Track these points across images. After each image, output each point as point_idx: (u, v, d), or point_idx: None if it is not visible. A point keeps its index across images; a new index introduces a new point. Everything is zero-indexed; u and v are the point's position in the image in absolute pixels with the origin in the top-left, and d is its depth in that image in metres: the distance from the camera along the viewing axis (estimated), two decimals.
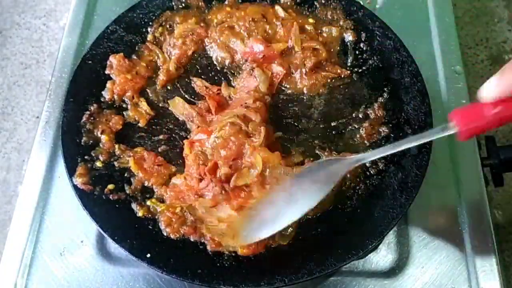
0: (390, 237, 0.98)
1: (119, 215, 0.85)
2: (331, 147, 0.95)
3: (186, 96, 1.01)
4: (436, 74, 1.16)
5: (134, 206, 0.87)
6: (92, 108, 0.96)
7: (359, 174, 0.92)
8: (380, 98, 0.99)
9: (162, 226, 0.85)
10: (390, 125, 0.96)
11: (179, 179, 0.89)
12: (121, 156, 0.93)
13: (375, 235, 0.82)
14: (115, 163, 0.92)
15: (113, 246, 0.97)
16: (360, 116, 0.98)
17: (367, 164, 0.92)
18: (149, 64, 1.03)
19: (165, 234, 0.84)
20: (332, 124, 0.98)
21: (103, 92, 0.99)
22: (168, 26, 1.07)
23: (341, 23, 1.07)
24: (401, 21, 1.22)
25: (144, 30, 1.07)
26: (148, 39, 1.06)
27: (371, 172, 0.92)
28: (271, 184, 0.84)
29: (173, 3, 1.10)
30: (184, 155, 0.92)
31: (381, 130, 0.96)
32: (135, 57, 1.04)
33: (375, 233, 0.82)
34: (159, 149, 0.95)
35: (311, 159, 0.92)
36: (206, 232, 0.83)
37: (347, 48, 1.06)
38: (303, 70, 1.01)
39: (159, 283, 0.93)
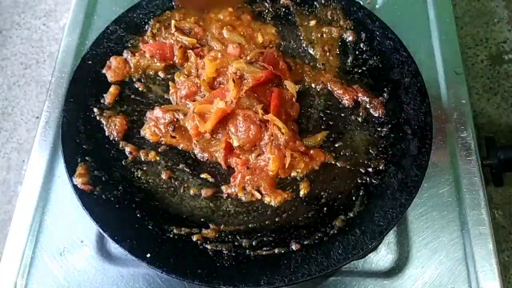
0: (390, 237, 0.98)
1: (119, 215, 0.85)
2: (331, 147, 0.95)
3: None
4: (436, 74, 1.16)
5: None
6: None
7: (359, 174, 0.92)
8: (380, 98, 0.99)
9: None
10: (390, 125, 0.96)
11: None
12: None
13: (375, 235, 0.82)
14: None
15: (113, 246, 0.97)
16: (360, 116, 0.99)
17: (366, 163, 0.92)
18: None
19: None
20: (332, 124, 0.98)
21: (104, 95, 0.99)
22: (166, 24, 1.07)
23: (341, 23, 1.07)
24: (401, 21, 1.22)
25: (144, 30, 1.07)
26: (147, 34, 1.06)
27: (371, 172, 0.92)
28: None
29: (173, 3, 1.10)
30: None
31: (381, 130, 0.96)
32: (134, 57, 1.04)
33: (375, 233, 0.82)
34: (159, 149, 0.95)
35: None
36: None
37: (347, 48, 1.06)
38: None
39: (159, 283, 0.93)
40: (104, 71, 1.01)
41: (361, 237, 0.82)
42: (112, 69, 1.01)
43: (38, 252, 0.97)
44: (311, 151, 0.93)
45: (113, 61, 1.01)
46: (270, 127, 0.92)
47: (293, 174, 0.92)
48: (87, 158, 0.90)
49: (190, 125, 0.95)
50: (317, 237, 0.84)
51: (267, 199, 0.90)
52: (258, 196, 0.90)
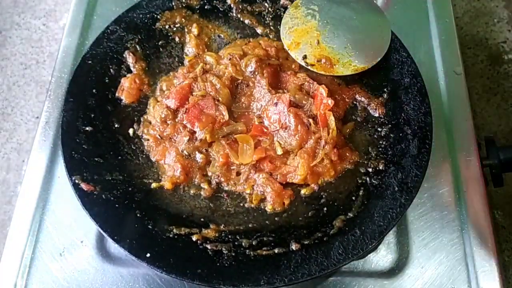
0: (390, 237, 0.98)
1: (119, 215, 0.85)
2: None
3: None
4: (436, 74, 1.16)
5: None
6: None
7: (359, 174, 0.92)
8: (380, 98, 0.99)
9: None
10: (390, 125, 0.96)
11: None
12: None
13: (375, 235, 0.82)
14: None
15: (113, 246, 0.97)
16: (360, 116, 0.99)
17: (366, 163, 0.93)
18: None
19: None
20: None
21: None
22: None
23: None
24: (401, 21, 1.22)
25: (143, 30, 1.07)
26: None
27: (371, 172, 0.92)
28: None
29: (173, 3, 1.10)
30: None
31: (381, 130, 0.96)
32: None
33: (375, 233, 0.82)
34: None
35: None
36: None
37: None
38: None
39: (159, 283, 0.93)
40: (117, 94, 1.01)
41: (361, 237, 0.82)
42: (126, 91, 1.01)
43: (38, 252, 0.97)
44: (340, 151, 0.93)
45: (125, 82, 1.01)
46: (318, 128, 0.92)
47: (320, 181, 0.92)
48: (87, 158, 0.91)
49: (218, 152, 0.93)
50: (317, 237, 0.84)
51: (268, 207, 0.90)
52: (255, 203, 0.90)
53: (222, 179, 0.92)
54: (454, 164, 1.05)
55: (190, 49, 1.08)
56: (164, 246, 0.82)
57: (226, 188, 0.92)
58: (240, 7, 1.11)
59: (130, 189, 0.90)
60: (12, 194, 1.39)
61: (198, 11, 1.11)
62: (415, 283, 0.94)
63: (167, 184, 0.91)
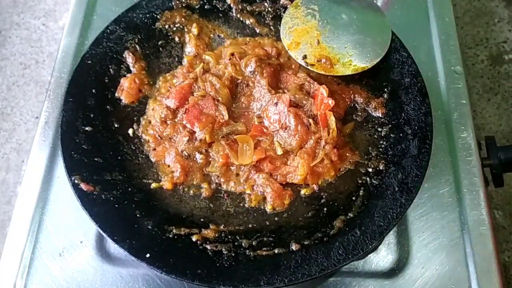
0: (390, 237, 0.98)
1: (118, 215, 0.85)
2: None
3: None
4: (436, 74, 1.16)
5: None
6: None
7: (359, 174, 0.92)
8: (380, 98, 0.99)
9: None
10: (390, 125, 0.96)
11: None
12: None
13: (375, 235, 0.82)
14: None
15: (112, 247, 0.97)
16: (360, 116, 0.99)
17: (366, 163, 0.92)
18: None
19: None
20: None
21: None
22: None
23: None
24: (401, 21, 1.21)
25: (143, 30, 1.07)
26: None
27: (371, 172, 0.91)
28: None
29: (173, 3, 1.10)
30: None
31: (381, 130, 0.96)
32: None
33: (375, 233, 0.82)
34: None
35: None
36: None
37: None
38: None
39: (159, 283, 0.93)
40: (117, 94, 1.01)
41: (361, 237, 0.82)
42: (125, 91, 1.00)
43: (38, 253, 0.97)
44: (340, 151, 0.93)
45: (125, 82, 1.01)
46: (319, 128, 0.91)
47: (320, 182, 0.92)
48: (86, 158, 0.90)
49: (218, 153, 0.93)
50: (317, 237, 0.84)
51: (268, 207, 0.90)
52: (255, 203, 0.90)
53: (222, 180, 0.92)
54: (454, 164, 1.04)
55: (190, 49, 1.08)
56: (163, 247, 0.82)
57: (226, 189, 0.92)
58: (240, 7, 1.11)
59: (129, 189, 0.90)
60: (12, 194, 1.39)
61: (198, 11, 1.11)
62: (415, 283, 0.93)
63: (166, 184, 0.91)
